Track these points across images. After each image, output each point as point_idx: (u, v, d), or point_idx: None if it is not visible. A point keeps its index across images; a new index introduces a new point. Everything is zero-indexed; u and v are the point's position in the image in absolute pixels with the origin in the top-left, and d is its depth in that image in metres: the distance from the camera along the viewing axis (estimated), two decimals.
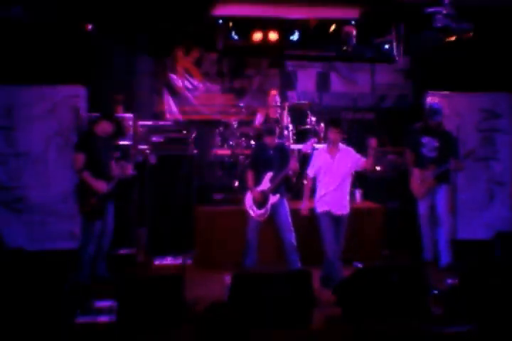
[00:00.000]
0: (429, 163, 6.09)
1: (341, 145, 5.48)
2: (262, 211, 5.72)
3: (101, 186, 5.46)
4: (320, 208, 5.43)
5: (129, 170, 5.79)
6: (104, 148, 5.63)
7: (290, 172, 6.03)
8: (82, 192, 5.46)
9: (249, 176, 5.86)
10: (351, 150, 5.53)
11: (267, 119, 7.17)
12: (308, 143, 5.67)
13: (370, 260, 6.08)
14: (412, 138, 6.30)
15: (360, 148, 7.43)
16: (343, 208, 5.43)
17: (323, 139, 7.12)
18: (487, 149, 6.90)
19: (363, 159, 5.40)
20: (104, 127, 5.61)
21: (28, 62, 6.76)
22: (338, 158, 5.42)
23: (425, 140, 6.13)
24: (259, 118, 7.21)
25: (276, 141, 5.94)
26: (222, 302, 4.20)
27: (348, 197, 5.50)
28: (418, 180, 6.12)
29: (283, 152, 5.77)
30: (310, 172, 5.54)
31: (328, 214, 5.39)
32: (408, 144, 6.32)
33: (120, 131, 6.32)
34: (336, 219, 5.41)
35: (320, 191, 5.45)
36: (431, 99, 6.81)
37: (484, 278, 4.54)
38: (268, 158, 5.77)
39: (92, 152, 5.49)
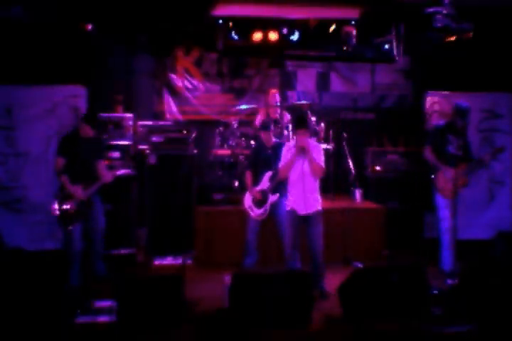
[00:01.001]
0: (457, 161, 5.89)
1: (310, 142, 5.24)
2: (262, 210, 5.73)
3: (78, 191, 5.42)
4: (287, 206, 5.35)
5: (115, 172, 5.74)
6: (89, 149, 5.58)
7: None
8: (60, 196, 5.43)
9: (248, 176, 5.89)
10: (320, 149, 5.31)
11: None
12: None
13: (370, 260, 6.09)
14: (436, 135, 6.06)
15: (359, 149, 7.51)
16: (308, 207, 5.22)
17: (324, 139, 7.12)
18: (487, 149, 6.88)
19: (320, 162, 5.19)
20: (85, 130, 5.58)
21: (27, 62, 6.75)
22: (304, 155, 5.17)
23: (451, 138, 5.94)
24: (259, 118, 7.21)
25: (274, 139, 5.94)
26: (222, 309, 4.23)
27: (316, 196, 5.28)
28: (450, 178, 5.86)
29: (281, 151, 5.74)
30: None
31: (292, 213, 5.26)
32: (432, 142, 6.05)
33: (103, 133, 6.30)
34: (302, 220, 5.25)
35: (288, 189, 5.34)
36: (449, 99, 6.67)
37: (484, 278, 4.54)
38: (267, 157, 5.77)
39: (76, 155, 5.47)
